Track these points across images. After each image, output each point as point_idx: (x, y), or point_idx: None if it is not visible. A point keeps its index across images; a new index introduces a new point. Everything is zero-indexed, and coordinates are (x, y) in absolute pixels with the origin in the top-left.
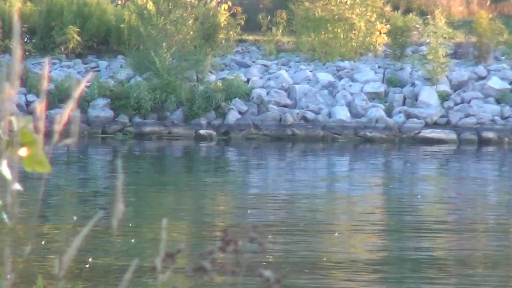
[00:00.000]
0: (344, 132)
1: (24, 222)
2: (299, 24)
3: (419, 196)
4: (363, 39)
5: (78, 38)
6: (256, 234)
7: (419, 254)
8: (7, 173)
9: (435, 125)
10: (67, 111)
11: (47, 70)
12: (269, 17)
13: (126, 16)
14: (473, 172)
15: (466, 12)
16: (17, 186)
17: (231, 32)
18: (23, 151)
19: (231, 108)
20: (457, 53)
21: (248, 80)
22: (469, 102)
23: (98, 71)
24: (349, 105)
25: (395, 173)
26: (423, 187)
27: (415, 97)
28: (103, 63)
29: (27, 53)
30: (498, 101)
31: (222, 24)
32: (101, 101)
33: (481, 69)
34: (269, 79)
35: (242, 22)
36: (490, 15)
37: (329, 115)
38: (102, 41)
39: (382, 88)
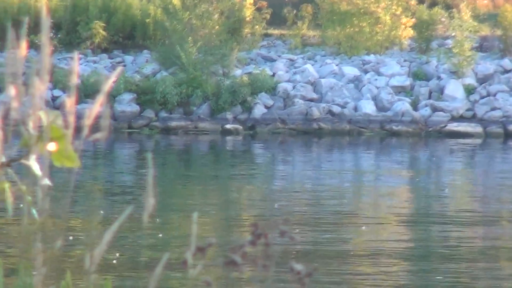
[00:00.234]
0: (370, 126)
1: (53, 217)
2: (324, 18)
3: (446, 190)
4: (388, 33)
5: (104, 33)
6: (287, 228)
7: (446, 245)
8: (37, 168)
9: (461, 118)
10: (97, 105)
11: (76, 65)
12: (294, 11)
13: (151, 11)
14: (500, 165)
15: (491, 5)
16: (46, 181)
17: (257, 27)
18: (52, 146)
19: (257, 103)
20: (482, 47)
21: (274, 74)
22: (495, 95)
23: (124, 66)
24: (375, 98)
25: (421, 166)
26: (449, 179)
27: (441, 91)
28: (129, 58)
29: (53, 48)
30: None
31: (248, 18)
32: (127, 96)
33: (506, 62)
34: (295, 73)
35: (268, 16)
36: None
37: (355, 109)
38: (127, 36)
39: (408, 81)
